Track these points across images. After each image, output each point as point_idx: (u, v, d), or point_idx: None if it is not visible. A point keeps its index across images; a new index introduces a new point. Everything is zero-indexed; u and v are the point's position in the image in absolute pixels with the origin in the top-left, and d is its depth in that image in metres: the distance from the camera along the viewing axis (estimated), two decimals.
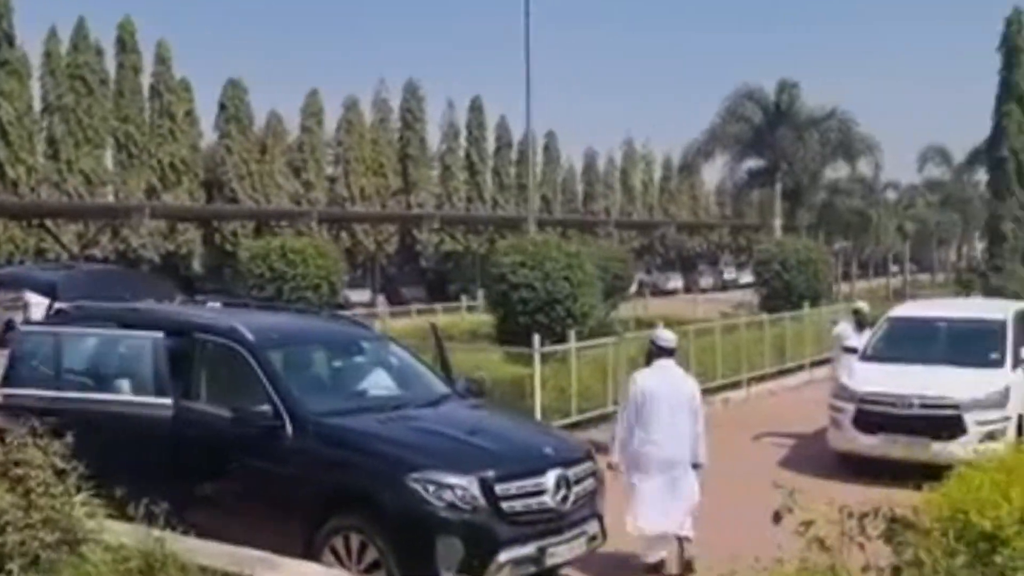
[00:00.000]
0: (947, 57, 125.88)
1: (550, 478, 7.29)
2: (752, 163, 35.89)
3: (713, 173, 55.50)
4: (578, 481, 7.56)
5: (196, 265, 41.36)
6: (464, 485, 6.92)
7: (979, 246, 52.73)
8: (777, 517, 3.33)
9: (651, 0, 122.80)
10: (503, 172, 54.66)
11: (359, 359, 8.88)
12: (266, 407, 7.57)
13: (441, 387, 8.78)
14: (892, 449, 11.83)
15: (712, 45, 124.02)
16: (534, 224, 26.77)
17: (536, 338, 13.34)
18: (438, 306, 34.38)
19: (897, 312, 14.44)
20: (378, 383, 8.61)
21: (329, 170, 47.11)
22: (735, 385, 18.42)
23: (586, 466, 7.80)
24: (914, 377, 12.18)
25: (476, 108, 52.93)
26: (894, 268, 54.40)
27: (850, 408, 12.24)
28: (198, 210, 39.93)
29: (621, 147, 64.07)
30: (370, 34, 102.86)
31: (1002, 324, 13.16)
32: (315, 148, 45.47)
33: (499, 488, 7.02)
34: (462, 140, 52.79)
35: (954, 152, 49.06)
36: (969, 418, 11.60)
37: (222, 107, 43.05)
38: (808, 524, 3.18)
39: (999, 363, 12.49)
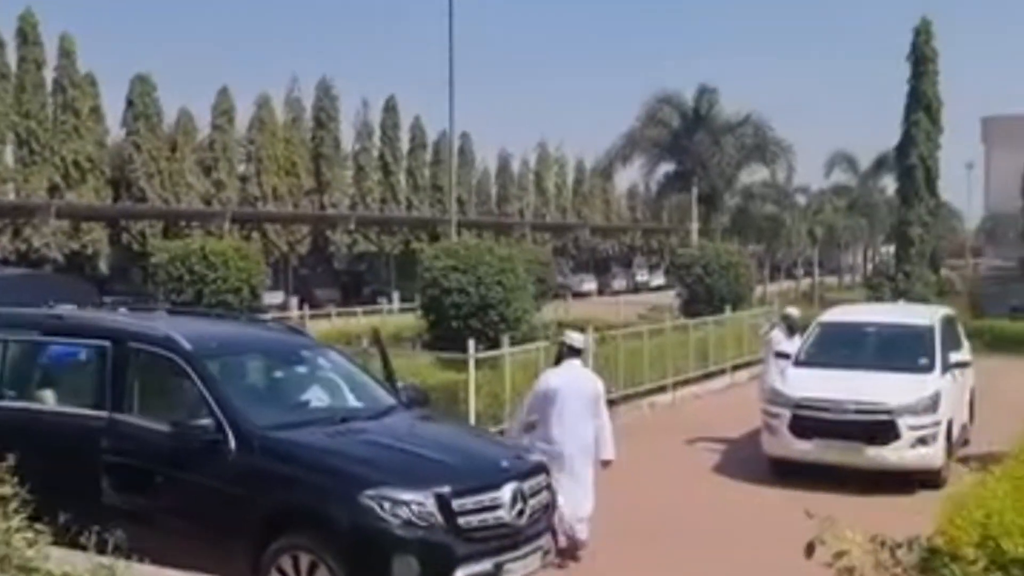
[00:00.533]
0: (856, 65, 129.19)
1: (506, 492, 7.10)
2: (669, 167, 36.20)
3: (627, 177, 56.22)
4: (533, 494, 7.39)
5: (102, 266, 39.98)
6: (420, 501, 6.69)
7: (884, 250, 54.37)
8: (810, 549, 3.17)
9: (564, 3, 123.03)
10: (418, 173, 54.18)
11: (301, 369, 8.55)
12: (207, 421, 7.21)
13: (386, 397, 8.51)
14: (827, 454, 11.94)
15: (625, 51, 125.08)
16: (455, 226, 26.48)
17: (472, 343, 13.12)
18: (357, 308, 33.87)
19: (828, 317, 14.60)
20: (322, 394, 8.30)
21: (241, 169, 46.07)
22: (661, 389, 18.48)
23: (540, 479, 7.63)
24: (848, 383, 12.30)
25: (391, 108, 52.33)
26: (801, 272, 55.64)
27: (785, 414, 12.31)
28: (105, 209, 38.61)
29: (535, 149, 64.19)
30: (283, 31, 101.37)
31: (930, 329, 13.39)
32: (226, 147, 44.37)
33: (456, 504, 6.81)
34: (376, 140, 52.11)
35: (860, 159, 50.54)
36: (902, 423, 11.76)
37: (130, 103, 41.68)
38: (840, 555, 3.02)
39: (929, 368, 12.69)
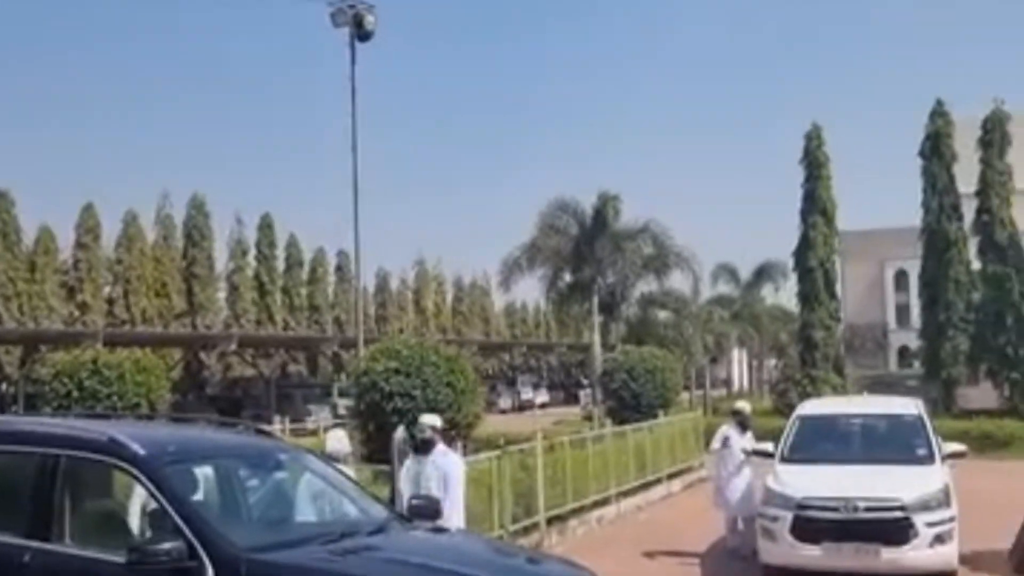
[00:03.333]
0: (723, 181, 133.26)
1: None
2: (568, 278, 35.36)
3: (524, 288, 55.28)
4: None
5: None
6: None
7: (770, 362, 54.72)
8: None
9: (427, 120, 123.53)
10: (294, 292, 52.19)
11: (280, 475, 6.83)
12: (174, 543, 5.44)
13: (379, 509, 6.85)
14: (839, 559, 10.70)
15: (503, 168, 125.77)
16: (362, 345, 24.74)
17: (459, 446, 11.51)
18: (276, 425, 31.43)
19: (808, 410, 13.54)
20: (309, 506, 6.61)
21: (107, 290, 43.28)
22: (604, 502, 16.99)
23: None
24: (849, 479, 11.17)
25: (266, 225, 50.54)
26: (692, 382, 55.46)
27: (786, 516, 11.03)
28: None
29: (413, 267, 63.08)
30: (152, 144, 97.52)
31: (920, 419, 12.49)
32: (92, 266, 41.65)
33: None
34: (251, 258, 50.11)
35: (740, 270, 51.20)
36: (918, 520, 10.63)
37: None
38: None
39: (929, 459, 11.72)
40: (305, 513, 6.60)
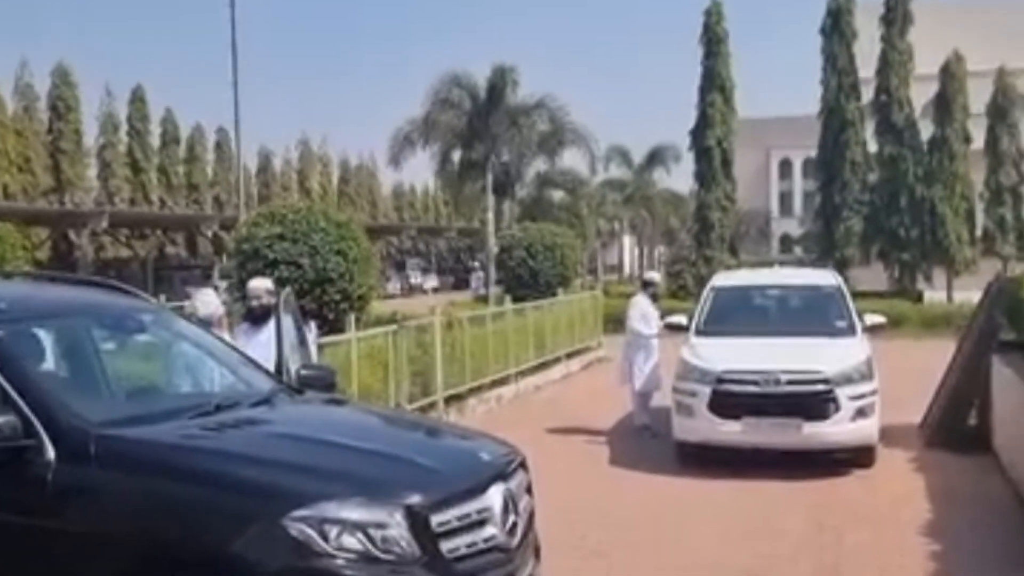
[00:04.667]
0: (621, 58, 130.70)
1: (495, 497, 4.63)
2: (463, 154, 33.92)
3: (393, 175, 53.48)
4: (519, 499, 4.96)
5: None
6: (383, 521, 4.15)
7: (659, 249, 54.49)
8: None
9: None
10: (171, 170, 49.53)
11: (142, 338, 5.68)
12: (6, 419, 4.30)
13: (264, 378, 5.78)
14: (758, 434, 10.14)
15: (390, 50, 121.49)
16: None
17: (313, 326, 10.38)
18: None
19: (720, 281, 12.84)
20: (180, 375, 5.51)
21: None
22: (503, 381, 16.24)
23: (522, 476, 5.18)
24: (770, 351, 10.55)
25: (138, 99, 47.44)
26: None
27: (704, 391, 10.36)
28: None
29: (297, 147, 60.63)
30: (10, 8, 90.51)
31: (838, 289, 11.95)
32: None
33: (435, 520, 4.28)
34: (123, 134, 47.12)
35: (633, 153, 50.46)
36: (841, 393, 10.08)
37: None
38: None
39: (850, 331, 11.18)
40: (174, 383, 5.51)
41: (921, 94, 32.25)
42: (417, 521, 4.21)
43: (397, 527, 4.16)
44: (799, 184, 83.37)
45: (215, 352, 5.81)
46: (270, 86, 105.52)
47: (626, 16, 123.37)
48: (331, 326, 11.75)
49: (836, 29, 30.98)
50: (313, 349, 8.18)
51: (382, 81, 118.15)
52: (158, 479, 4.22)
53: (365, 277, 12.48)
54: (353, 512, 4.13)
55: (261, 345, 7.42)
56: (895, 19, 30.52)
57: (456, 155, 33.95)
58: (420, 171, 52.31)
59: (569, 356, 19.83)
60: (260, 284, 8.52)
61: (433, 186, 63.13)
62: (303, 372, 6.13)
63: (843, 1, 30.90)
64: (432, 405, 13.23)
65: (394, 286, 58.59)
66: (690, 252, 31.85)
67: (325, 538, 4.04)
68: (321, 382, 6.06)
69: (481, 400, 15.02)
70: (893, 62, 30.58)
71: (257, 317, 8.15)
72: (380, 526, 4.13)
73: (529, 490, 5.22)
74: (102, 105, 46.12)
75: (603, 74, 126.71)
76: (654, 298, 13.23)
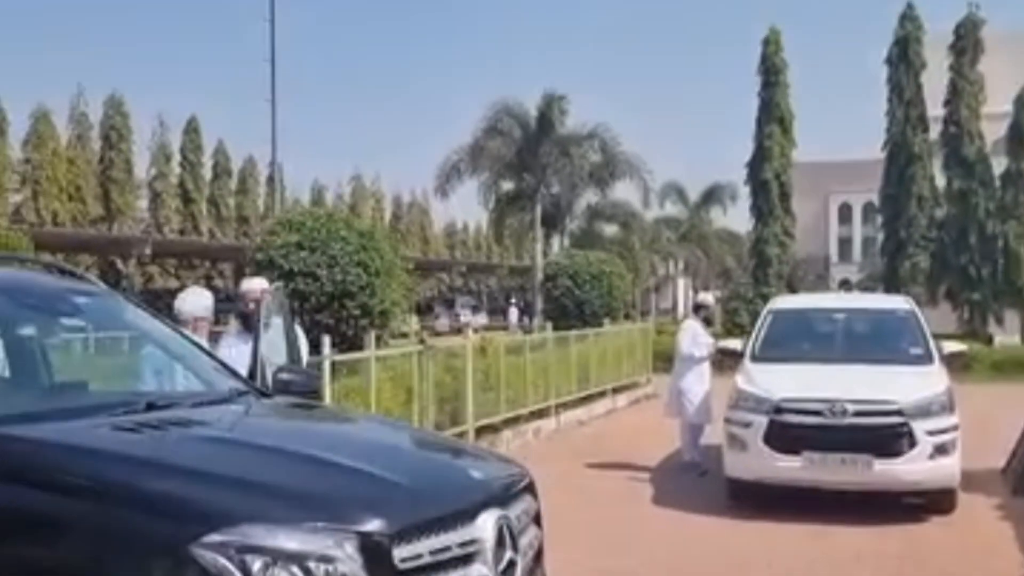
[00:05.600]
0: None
1: (486, 527, 3.51)
2: (511, 185, 33.01)
3: (446, 211, 52.68)
4: (522, 530, 3.84)
5: None
6: (326, 554, 3.06)
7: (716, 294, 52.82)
8: None
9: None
10: (221, 202, 49.30)
11: (71, 323, 4.71)
12: None
13: (227, 379, 4.75)
14: (822, 472, 8.89)
15: (440, 85, 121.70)
16: None
17: (327, 341, 9.42)
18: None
19: (779, 304, 11.68)
20: (118, 367, 4.52)
21: (16, 197, 40.08)
22: (542, 414, 15.13)
23: (527, 503, 4.07)
24: (836, 379, 9.34)
25: (192, 130, 47.42)
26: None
27: (760, 421, 9.16)
28: None
29: (350, 182, 60.31)
30: (67, 35, 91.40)
31: (913, 313, 10.69)
32: None
33: (399, 554, 3.17)
34: (175, 165, 47.03)
35: (689, 190, 49.28)
36: (917, 427, 8.82)
37: None
38: None
39: (926, 359, 9.94)
40: (106, 376, 4.50)
41: (992, 129, 30.79)
42: (374, 554, 3.11)
43: (347, 561, 3.07)
44: (859, 230, 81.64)
45: (171, 347, 4.82)
46: (322, 116, 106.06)
47: (680, 49, 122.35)
48: (350, 343, 10.77)
49: (904, 59, 29.69)
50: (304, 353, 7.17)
51: (434, 113, 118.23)
52: (32, 490, 3.20)
53: (388, 291, 11.47)
54: (287, 539, 3.05)
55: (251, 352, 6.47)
56: (966, 48, 29.13)
57: (504, 185, 33.05)
58: (472, 208, 51.50)
59: (616, 391, 18.69)
60: (254, 284, 7.53)
61: (485, 224, 62.50)
62: (280, 376, 5.09)
63: (912, 29, 29.63)
64: (462, 435, 12.17)
65: (443, 323, 57.83)
66: (746, 289, 30.52)
67: (246, 573, 2.98)
68: (301, 387, 5.03)
69: (517, 432, 13.93)
70: (963, 93, 29.14)
71: (246, 321, 7.16)
72: (324, 559, 3.05)
73: (538, 520, 4.12)
74: (154, 135, 46.18)
75: (656, 108, 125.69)
76: (707, 322, 12.18)
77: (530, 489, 4.11)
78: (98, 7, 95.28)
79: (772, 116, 30.18)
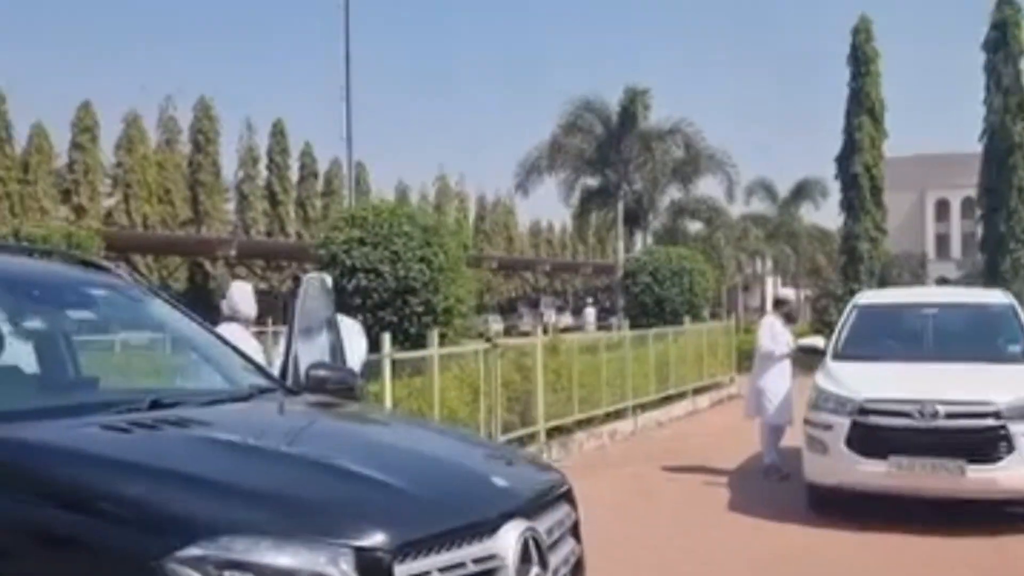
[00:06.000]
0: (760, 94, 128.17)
1: (509, 540, 3.10)
2: (591, 182, 32.50)
3: (531, 210, 52.38)
4: (554, 544, 3.42)
5: None
6: (321, 570, 2.70)
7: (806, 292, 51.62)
8: None
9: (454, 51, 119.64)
10: (308, 204, 49.76)
11: (82, 316, 4.43)
12: None
13: (254, 376, 4.43)
14: (910, 477, 8.26)
15: (532, 88, 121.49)
16: None
17: (387, 338, 9.12)
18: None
19: (865, 299, 11.01)
20: (131, 363, 4.23)
21: (109, 200, 40.97)
22: (618, 415, 14.67)
23: (563, 513, 3.66)
24: (926, 378, 8.70)
25: (278, 133, 47.93)
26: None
27: (842, 423, 8.58)
28: None
29: (434, 183, 60.43)
30: (156, 41, 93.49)
31: (1012, 307, 9.97)
32: (89, 168, 39.33)
33: (403, 570, 2.79)
34: (262, 167, 47.60)
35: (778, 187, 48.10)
36: (1017, 430, 8.15)
37: None
38: None
39: None
40: (117, 372, 4.22)
41: None
42: (373, 571, 2.75)
43: None
44: (957, 225, 79.06)
45: (198, 343, 4.53)
46: (408, 117, 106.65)
47: (764, 45, 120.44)
48: (413, 341, 10.46)
49: (1002, 44, 28.35)
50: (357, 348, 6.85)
51: (518, 112, 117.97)
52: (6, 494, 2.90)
53: (453, 288, 11.14)
54: (275, 554, 2.70)
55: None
56: None
57: (586, 182, 32.55)
58: (557, 207, 51.12)
59: (697, 392, 18.13)
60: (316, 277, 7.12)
61: (569, 223, 62.10)
62: (315, 372, 4.76)
63: (1010, 13, 28.27)
64: (532, 437, 11.80)
65: (527, 324, 57.56)
66: (836, 286, 29.50)
67: None
68: (337, 384, 4.69)
69: (592, 434, 13.49)
70: None
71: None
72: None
73: (575, 533, 3.71)
74: (242, 138, 46.78)
75: (741, 102, 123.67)
76: (787, 318, 11.62)
77: (567, 498, 3.71)
78: (189, 11, 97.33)
79: (863, 107, 29.11)
